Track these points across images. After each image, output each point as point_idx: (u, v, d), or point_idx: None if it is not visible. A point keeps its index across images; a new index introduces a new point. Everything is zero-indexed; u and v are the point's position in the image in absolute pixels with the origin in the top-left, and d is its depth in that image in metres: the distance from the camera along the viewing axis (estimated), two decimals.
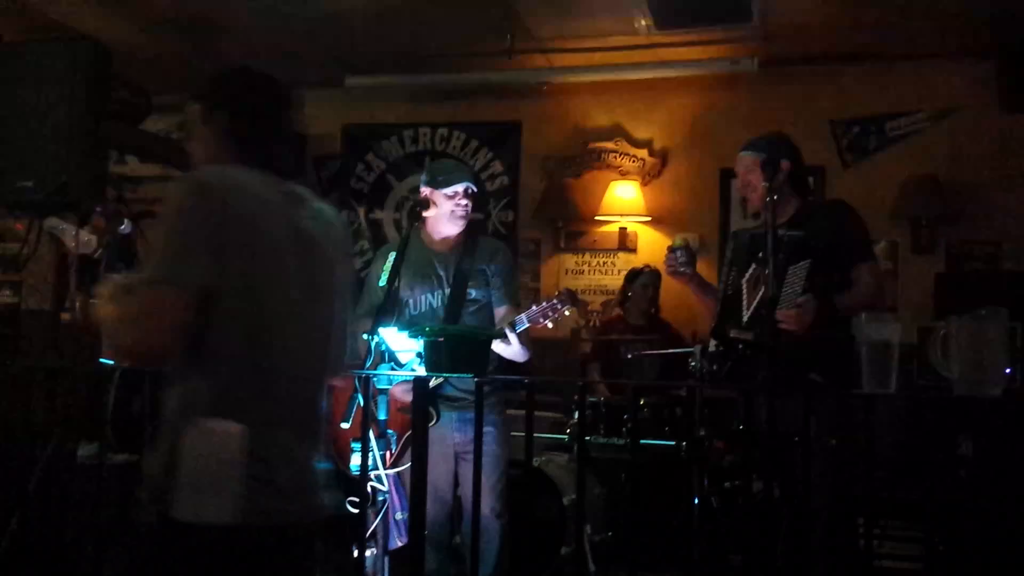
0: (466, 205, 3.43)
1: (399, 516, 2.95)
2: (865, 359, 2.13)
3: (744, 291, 3.18)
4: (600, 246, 6.13)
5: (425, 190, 3.45)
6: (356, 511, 2.69)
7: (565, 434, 4.86)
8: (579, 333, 5.93)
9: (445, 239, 3.52)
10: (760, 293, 3.10)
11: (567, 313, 3.22)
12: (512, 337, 3.20)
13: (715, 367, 3.39)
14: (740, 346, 3.13)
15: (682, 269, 3.38)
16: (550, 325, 3.25)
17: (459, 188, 3.41)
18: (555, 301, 3.22)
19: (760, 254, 3.10)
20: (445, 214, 3.42)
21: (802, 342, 2.99)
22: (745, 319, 3.15)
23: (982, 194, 5.44)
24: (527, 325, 3.24)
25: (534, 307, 3.25)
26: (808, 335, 3.00)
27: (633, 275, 5.46)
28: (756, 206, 3.29)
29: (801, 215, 3.30)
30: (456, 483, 3.53)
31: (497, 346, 3.25)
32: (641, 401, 4.47)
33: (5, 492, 3.40)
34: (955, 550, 3.76)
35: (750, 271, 3.16)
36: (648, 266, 5.44)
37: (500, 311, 3.50)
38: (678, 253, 3.39)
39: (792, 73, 5.74)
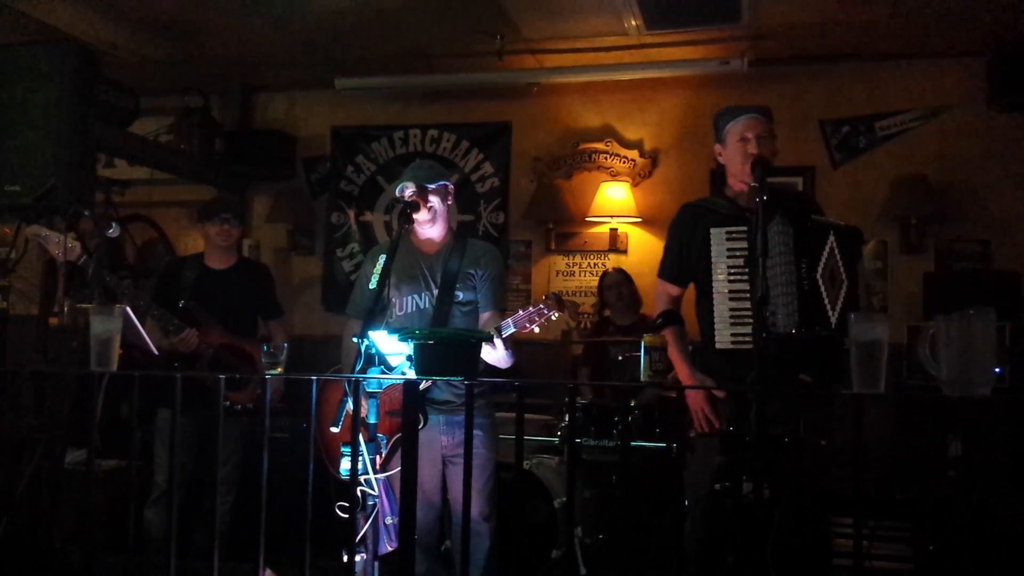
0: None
1: (389, 520, 2.94)
2: (854, 359, 2.11)
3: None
4: (591, 247, 6.13)
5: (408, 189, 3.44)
6: (346, 516, 2.67)
7: (555, 436, 4.85)
8: (570, 335, 5.91)
9: (432, 240, 3.51)
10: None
11: (554, 318, 3.20)
12: (498, 342, 3.18)
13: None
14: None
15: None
16: (536, 330, 3.23)
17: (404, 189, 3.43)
18: (541, 306, 3.20)
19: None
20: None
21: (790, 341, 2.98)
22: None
23: (971, 193, 5.45)
24: (513, 330, 3.22)
25: (520, 312, 3.23)
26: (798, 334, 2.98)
27: (600, 279, 5.57)
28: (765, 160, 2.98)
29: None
30: (444, 487, 3.52)
31: (484, 351, 3.24)
32: (632, 402, 4.47)
33: None
34: (945, 550, 3.77)
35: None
36: (611, 268, 5.57)
37: (484, 316, 3.48)
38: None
39: (782, 73, 5.75)
